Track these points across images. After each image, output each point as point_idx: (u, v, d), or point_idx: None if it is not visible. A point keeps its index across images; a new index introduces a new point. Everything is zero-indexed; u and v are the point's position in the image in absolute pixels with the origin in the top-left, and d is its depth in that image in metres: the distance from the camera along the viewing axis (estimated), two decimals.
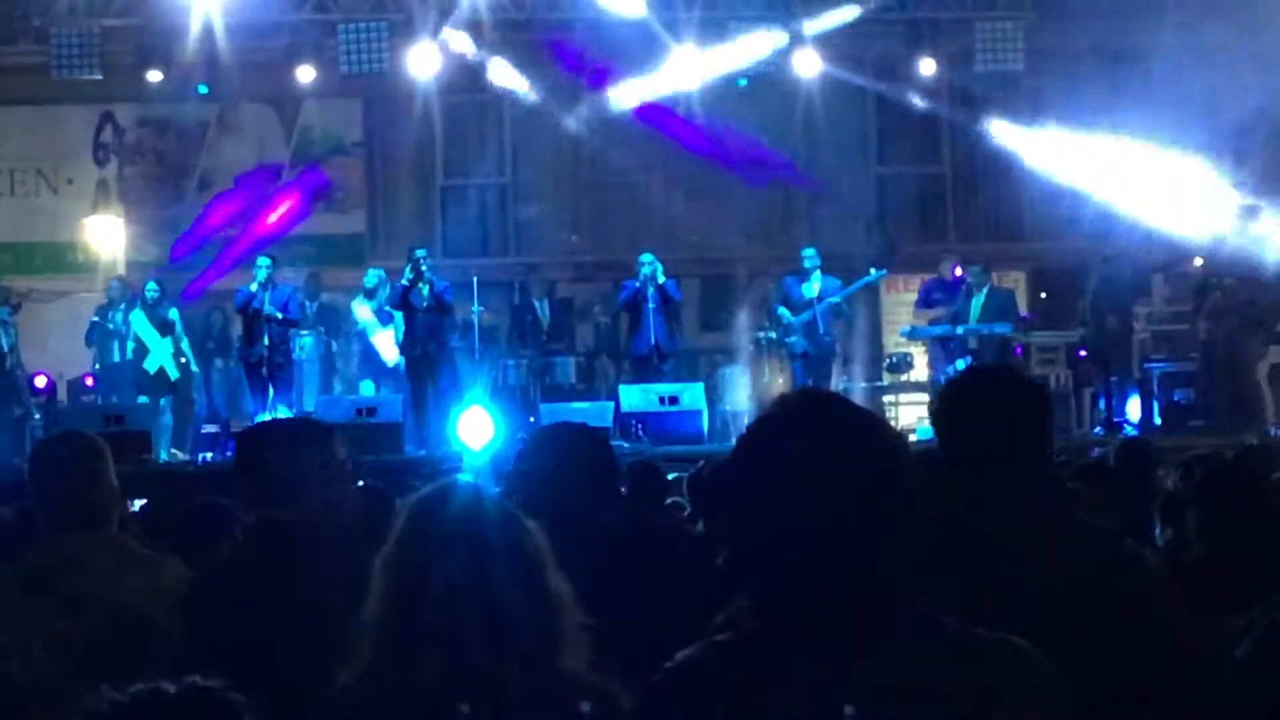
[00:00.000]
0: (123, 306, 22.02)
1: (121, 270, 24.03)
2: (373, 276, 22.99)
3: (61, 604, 5.61)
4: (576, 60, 26.10)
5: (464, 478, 3.86)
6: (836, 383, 22.39)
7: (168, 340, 21.88)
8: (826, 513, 2.94)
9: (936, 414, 4.68)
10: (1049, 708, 2.99)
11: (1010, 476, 4.38)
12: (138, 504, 12.35)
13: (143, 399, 21.47)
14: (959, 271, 22.96)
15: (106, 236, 25.00)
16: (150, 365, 21.79)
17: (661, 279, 21.41)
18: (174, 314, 22.21)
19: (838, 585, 2.95)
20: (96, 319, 22.11)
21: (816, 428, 3.03)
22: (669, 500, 10.81)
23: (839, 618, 2.96)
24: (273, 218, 26.06)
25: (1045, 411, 4.57)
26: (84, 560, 5.71)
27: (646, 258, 21.66)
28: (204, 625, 5.22)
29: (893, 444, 3.05)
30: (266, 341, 21.09)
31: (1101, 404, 21.64)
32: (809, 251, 22.22)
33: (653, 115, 25.97)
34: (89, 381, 22.52)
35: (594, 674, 3.65)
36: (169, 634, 5.63)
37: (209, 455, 21.74)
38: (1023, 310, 24.36)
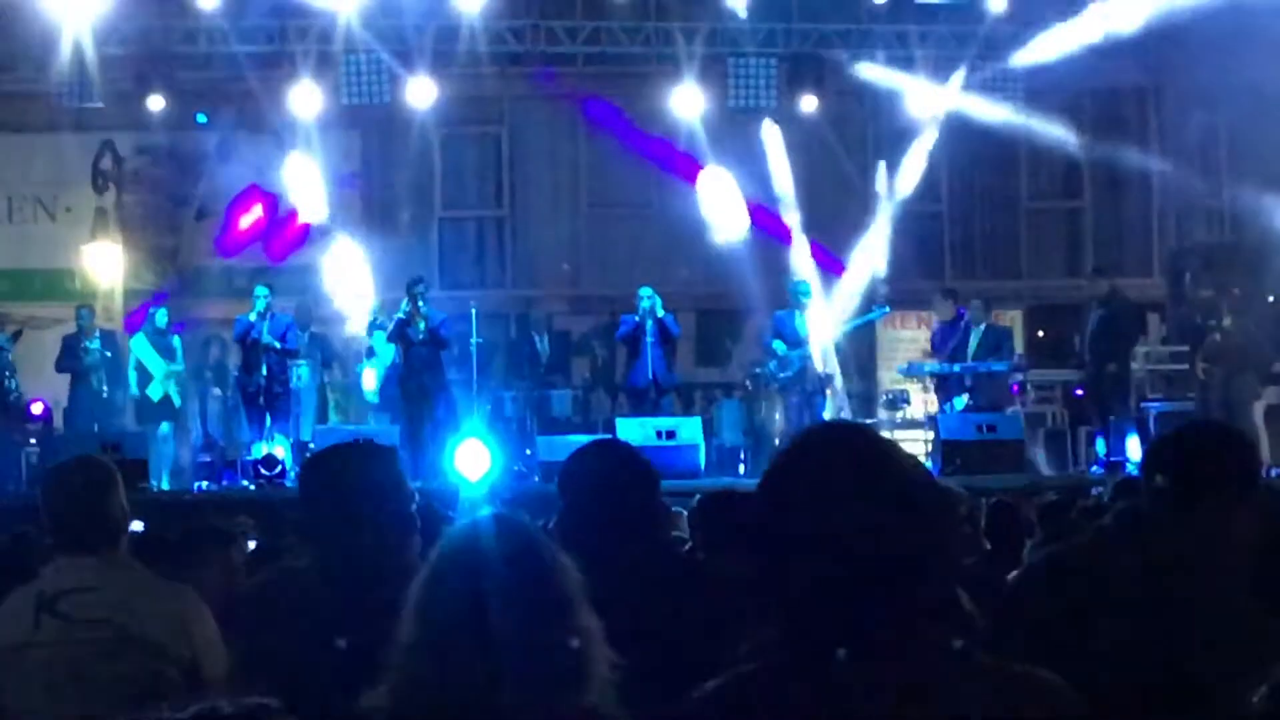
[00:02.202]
0: (97, 335, 22.08)
1: (119, 298, 24.03)
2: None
3: (72, 626, 5.62)
4: (575, 94, 26.23)
5: (503, 511, 3.84)
6: (831, 417, 22.38)
7: (170, 369, 21.92)
8: (857, 545, 2.94)
9: None
10: None
11: None
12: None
13: (140, 425, 21.51)
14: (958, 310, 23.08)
15: (105, 264, 25.02)
16: (154, 392, 21.83)
17: (660, 313, 21.48)
18: (177, 342, 22.26)
19: (866, 617, 2.96)
20: (71, 346, 22.11)
21: (847, 460, 3.03)
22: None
23: (867, 649, 2.95)
24: (269, 246, 26.12)
25: None
26: (95, 583, 5.73)
27: (645, 291, 21.73)
28: (254, 643, 5.23)
29: (920, 477, 3.06)
30: (265, 371, 21.16)
31: (1101, 443, 21.64)
32: (804, 285, 22.26)
33: (650, 148, 26.07)
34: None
35: (616, 709, 3.65)
36: (179, 657, 5.67)
37: (205, 484, 21.74)
38: (1019, 348, 24.39)
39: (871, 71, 25.18)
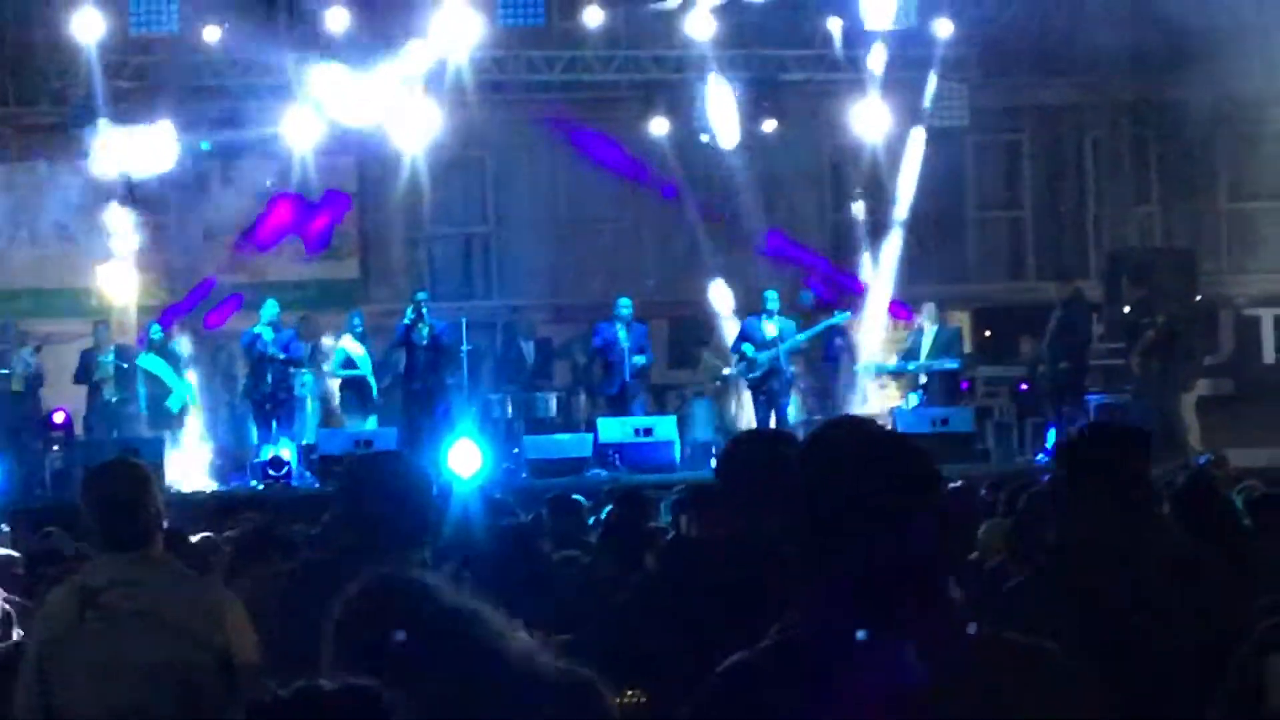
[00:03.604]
0: (112, 349, 22.14)
1: (133, 314, 24.00)
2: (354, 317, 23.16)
3: (115, 618, 5.63)
4: (554, 118, 26.27)
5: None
6: (796, 415, 22.44)
7: (182, 378, 21.94)
8: (881, 524, 2.96)
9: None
10: (1083, 707, 3.01)
11: None
12: None
13: (156, 431, 21.54)
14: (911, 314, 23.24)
15: (119, 282, 24.94)
16: (174, 403, 21.85)
17: (631, 325, 21.80)
18: (177, 346, 22.28)
19: (889, 587, 2.97)
20: (88, 359, 22.15)
21: (870, 446, 3.06)
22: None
23: (888, 619, 2.96)
24: (274, 261, 26.18)
25: None
26: (135, 577, 5.73)
27: (625, 302, 21.90)
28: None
29: (924, 463, 3.09)
30: (270, 379, 21.25)
31: (1052, 433, 21.72)
32: (771, 294, 22.32)
33: (624, 168, 26.13)
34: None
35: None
36: (213, 645, 5.67)
37: (216, 486, 21.76)
38: (967, 348, 24.49)
39: (828, 93, 25.23)
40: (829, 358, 23.46)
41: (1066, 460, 5.13)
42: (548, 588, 7.83)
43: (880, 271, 25.12)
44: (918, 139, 24.84)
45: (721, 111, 24.63)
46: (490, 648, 3.34)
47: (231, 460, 22.75)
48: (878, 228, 25.47)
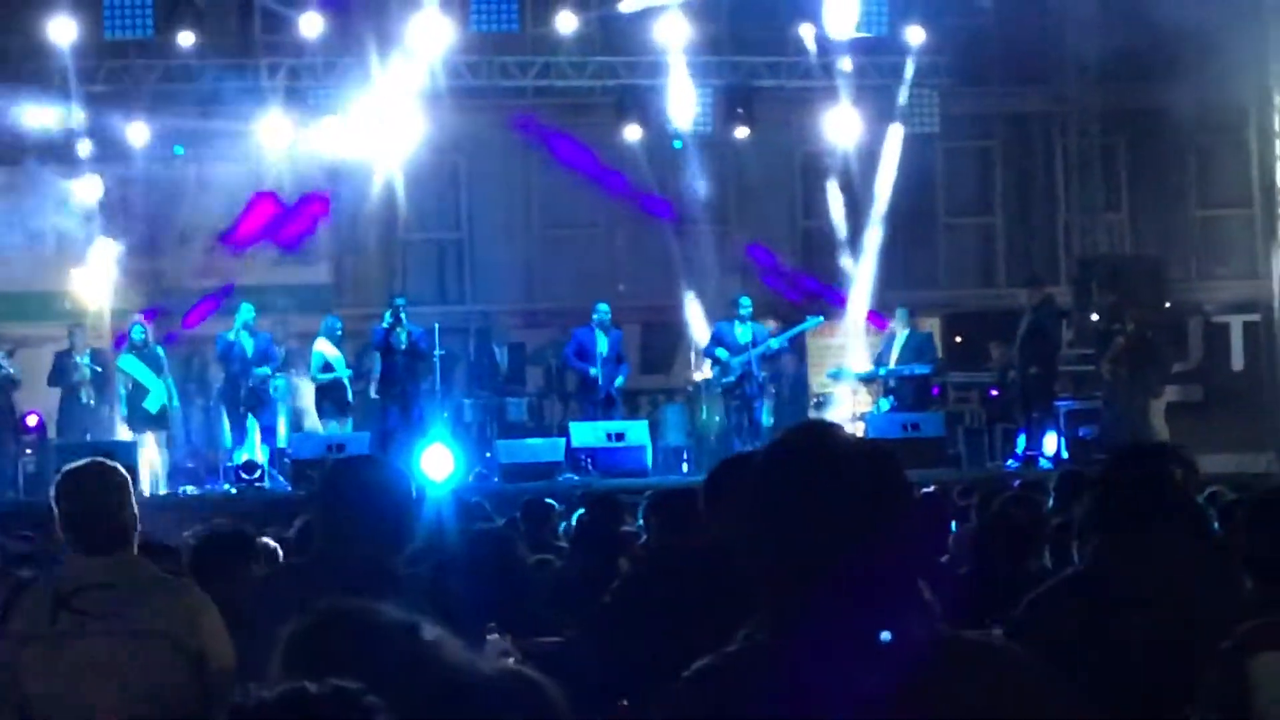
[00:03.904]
0: (88, 352, 22.08)
1: (107, 318, 23.95)
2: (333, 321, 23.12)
3: (88, 620, 5.59)
4: (527, 124, 26.26)
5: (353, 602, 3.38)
6: (767, 419, 22.46)
7: (161, 381, 21.88)
8: (838, 529, 2.94)
9: None
10: (1039, 704, 2.99)
11: None
12: None
13: (134, 434, 21.48)
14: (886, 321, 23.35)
15: (93, 286, 24.87)
16: (152, 405, 21.75)
17: (609, 330, 21.79)
18: (160, 352, 22.21)
19: (846, 594, 2.94)
20: (62, 362, 22.08)
21: (831, 453, 3.03)
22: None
23: (846, 624, 2.93)
24: (247, 265, 26.12)
25: None
26: (108, 580, 5.69)
27: (603, 308, 21.96)
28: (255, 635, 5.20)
29: (895, 467, 3.06)
30: (247, 383, 21.23)
31: (1022, 438, 21.77)
32: (744, 300, 22.35)
33: (596, 173, 26.13)
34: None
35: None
36: (188, 649, 5.63)
37: (189, 488, 21.69)
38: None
39: (800, 100, 25.26)
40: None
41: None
42: (525, 592, 7.83)
43: (858, 278, 25.11)
44: (894, 143, 24.85)
45: (694, 118, 24.65)
46: (428, 659, 3.28)
47: (204, 463, 22.71)
48: (851, 233, 25.47)
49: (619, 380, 22.21)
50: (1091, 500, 5.26)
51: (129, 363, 21.95)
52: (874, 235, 25.14)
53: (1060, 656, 4.27)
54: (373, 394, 22.09)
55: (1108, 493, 5.10)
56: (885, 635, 2.90)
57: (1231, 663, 4.13)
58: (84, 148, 23.77)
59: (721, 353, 21.96)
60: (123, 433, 21.86)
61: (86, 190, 24.22)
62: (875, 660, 2.91)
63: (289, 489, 20.34)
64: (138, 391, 21.77)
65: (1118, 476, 5.17)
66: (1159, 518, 4.96)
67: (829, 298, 25.46)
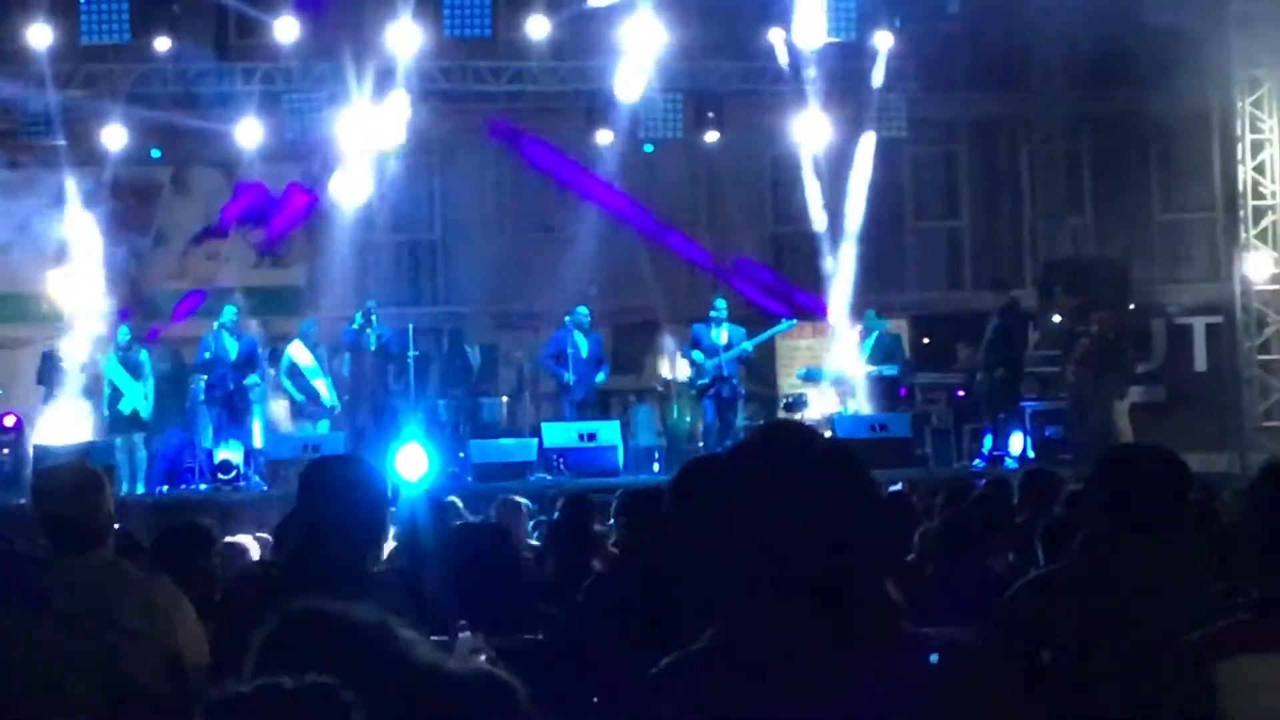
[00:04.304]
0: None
1: (85, 320, 23.89)
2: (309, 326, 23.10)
3: (65, 620, 5.60)
4: (499, 127, 26.27)
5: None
6: (740, 419, 22.51)
7: (140, 383, 21.83)
8: (804, 528, 2.96)
9: None
10: (1003, 702, 3.02)
11: None
12: None
13: (112, 435, 21.45)
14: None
15: (69, 288, 24.81)
16: (125, 407, 21.70)
17: (588, 333, 21.89)
18: (144, 356, 22.17)
19: (812, 593, 2.97)
20: (50, 361, 22.06)
21: (798, 453, 3.06)
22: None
23: (813, 623, 2.96)
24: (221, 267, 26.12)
25: None
26: (85, 581, 5.71)
27: (583, 311, 22.05)
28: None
29: (861, 468, 3.09)
30: (228, 385, 21.24)
31: (989, 439, 21.84)
32: (719, 302, 22.43)
33: (569, 177, 26.14)
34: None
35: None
36: (163, 648, 5.65)
37: (165, 488, 21.67)
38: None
39: (770, 104, 25.28)
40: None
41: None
42: (520, 588, 7.81)
43: (833, 280, 25.11)
44: (867, 149, 24.87)
45: (664, 122, 24.67)
46: (397, 658, 3.29)
47: (182, 464, 22.65)
48: (822, 236, 25.47)
49: (600, 378, 22.31)
50: (1090, 500, 5.27)
51: (111, 366, 21.92)
52: (846, 238, 25.15)
53: (1039, 649, 4.33)
54: (337, 397, 22.21)
55: (1104, 491, 5.11)
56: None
57: (1197, 667, 4.12)
58: (61, 151, 23.72)
59: (698, 355, 22.07)
60: (103, 433, 21.85)
61: (62, 192, 24.14)
62: (840, 658, 2.94)
63: (265, 489, 20.34)
64: (116, 393, 21.75)
65: (1116, 475, 5.17)
66: (1156, 517, 4.98)
67: (800, 300, 25.47)
